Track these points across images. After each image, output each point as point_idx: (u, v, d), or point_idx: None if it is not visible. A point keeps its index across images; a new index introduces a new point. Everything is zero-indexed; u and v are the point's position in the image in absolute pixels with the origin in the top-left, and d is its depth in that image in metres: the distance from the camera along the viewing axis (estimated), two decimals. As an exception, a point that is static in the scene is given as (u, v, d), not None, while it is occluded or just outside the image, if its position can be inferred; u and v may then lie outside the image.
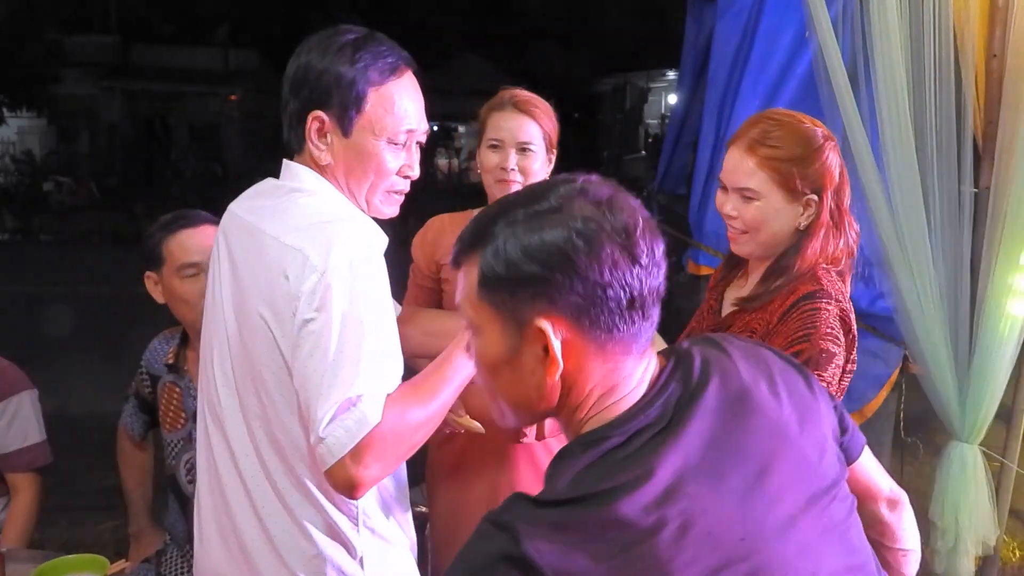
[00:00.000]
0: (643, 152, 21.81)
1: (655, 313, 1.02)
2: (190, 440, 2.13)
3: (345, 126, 1.44)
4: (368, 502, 1.47)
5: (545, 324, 0.97)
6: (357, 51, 1.44)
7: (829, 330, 1.59)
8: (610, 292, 0.96)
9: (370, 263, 1.36)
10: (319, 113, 1.43)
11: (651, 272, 0.99)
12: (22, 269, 10.48)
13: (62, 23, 21.28)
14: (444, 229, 2.29)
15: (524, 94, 2.20)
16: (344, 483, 1.29)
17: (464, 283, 1.04)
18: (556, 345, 0.98)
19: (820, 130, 1.69)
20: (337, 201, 1.48)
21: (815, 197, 1.67)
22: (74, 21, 21.77)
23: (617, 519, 0.91)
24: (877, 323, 3.15)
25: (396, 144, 1.48)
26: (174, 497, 2.24)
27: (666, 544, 0.91)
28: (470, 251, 1.03)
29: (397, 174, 1.51)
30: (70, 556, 1.92)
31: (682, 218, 3.70)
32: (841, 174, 1.71)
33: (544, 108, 2.20)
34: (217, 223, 1.93)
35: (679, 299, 3.96)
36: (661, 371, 1.05)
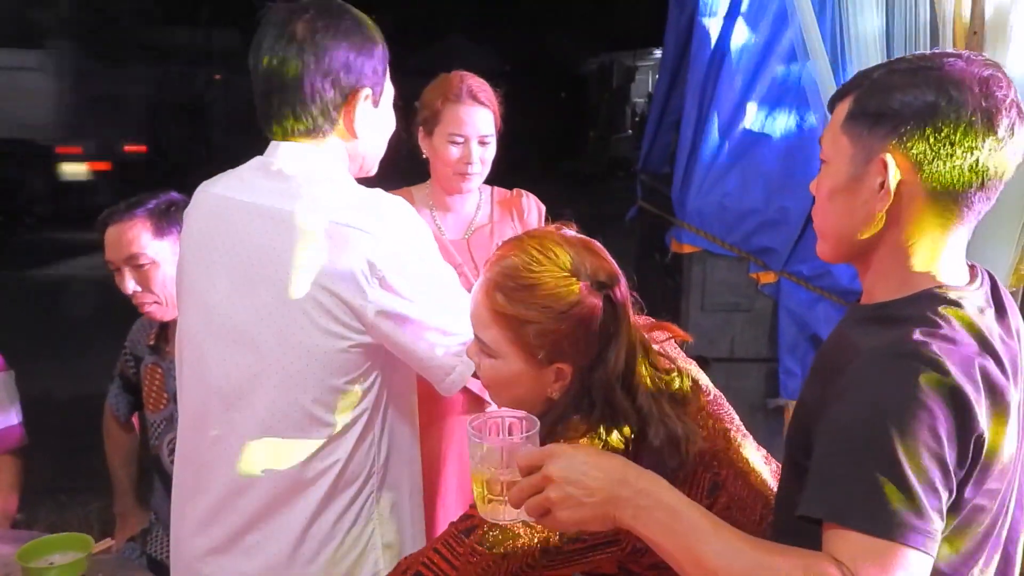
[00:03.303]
0: (630, 131, 21.76)
1: (993, 192, 1.12)
2: (172, 421, 2.14)
3: (378, 97, 1.50)
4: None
5: (889, 159, 1.09)
6: (367, 24, 1.47)
7: None
8: (957, 150, 1.07)
9: (425, 225, 1.48)
10: (367, 91, 1.47)
11: (1005, 146, 1.08)
12: (5, 251, 10.40)
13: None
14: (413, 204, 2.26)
15: (477, 82, 2.18)
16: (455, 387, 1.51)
17: (832, 121, 1.17)
18: (892, 180, 1.09)
19: (585, 282, 1.26)
20: (351, 179, 1.50)
21: (568, 367, 1.29)
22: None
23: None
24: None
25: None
26: (158, 477, 2.25)
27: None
28: (846, 92, 1.16)
29: None
30: (54, 535, 1.93)
31: (666, 197, 3.70)
32: (623, 333, 1.29)
33: (492, 92, 2.20)
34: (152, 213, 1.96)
35: (664, 278, 3.98)
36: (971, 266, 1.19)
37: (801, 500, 1.05)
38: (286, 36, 1.41)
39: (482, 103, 2.15)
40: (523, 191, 2.36)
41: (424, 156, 2.23)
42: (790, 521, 1.09)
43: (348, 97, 1.45)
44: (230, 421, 1.46)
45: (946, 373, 1.01)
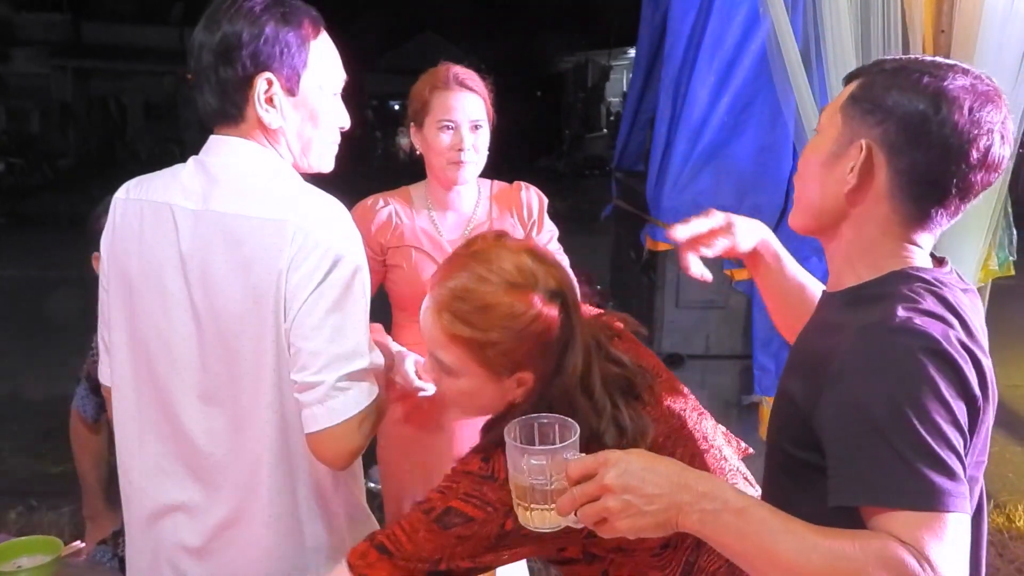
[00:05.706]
0: (605, 130, 21.85)
1: (957, 207, 1.14)
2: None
3: (293, 85, 1.42)
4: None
5: (864, 145, 1.13)
6: (282, 8, 1.40)
7: (474, 492, 1.23)
8: (927, 161, 1.10)
9: (356, 231, 1.39)
10: (268, 75, 1.39)
11: (975, 167, 1.10)
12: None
13: (11, 1, 20.74)
14: (390, 210, 2.21)
15: (464, 71, 2.15)
16: (346, 450, 1.34)
17: (839, 95, 1.21)
18: (861, 167, 1.13)
19: (539, 294, 1.24)
20: (291, 171, 1.45)
21: (529, 375, 1.28)
22: (23, -1, 21.23)
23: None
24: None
25: (336, 96, 1.49)
26: (129, 479, 2.23)
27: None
28: (859, 74, 1.20)
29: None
30: (22, 538, 1.90)
31: (640, 195, 3.72)
32: (573, 335, 1.27)
33: (482, 82, 2.17)
34: None
35: (639, 275, 3.99)
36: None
37: (831, 490, 1.05)
38: (203, 19, 1.40)
39: (471, 88, 2.12)
40: (523, 183, 2.31)
41: (418, 153, 2.19)
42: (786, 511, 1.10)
43: (249, 81, 1.38)
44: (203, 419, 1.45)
45: (936, 342, 1.03)
